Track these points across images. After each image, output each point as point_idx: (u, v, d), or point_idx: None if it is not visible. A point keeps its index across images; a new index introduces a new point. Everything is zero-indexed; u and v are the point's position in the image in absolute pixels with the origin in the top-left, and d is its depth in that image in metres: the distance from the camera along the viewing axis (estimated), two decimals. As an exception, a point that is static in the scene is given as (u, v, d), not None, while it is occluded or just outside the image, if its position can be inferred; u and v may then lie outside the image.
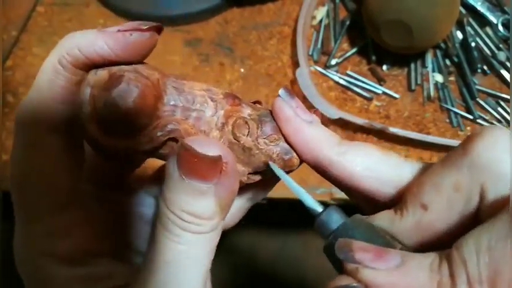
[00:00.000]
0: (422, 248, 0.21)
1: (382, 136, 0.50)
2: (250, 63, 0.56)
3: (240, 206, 0.27)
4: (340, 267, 0.20)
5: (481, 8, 0.55)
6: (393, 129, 0.48)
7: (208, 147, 0.21)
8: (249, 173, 0.25)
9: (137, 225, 0.29)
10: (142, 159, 0.28)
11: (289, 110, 0.24)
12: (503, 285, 0.16)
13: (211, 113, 0.24)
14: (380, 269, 0.19)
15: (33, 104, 0.23)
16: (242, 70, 0.55)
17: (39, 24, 0.59)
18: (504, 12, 0.55)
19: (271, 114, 0.25)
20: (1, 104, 0.54)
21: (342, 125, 0.51)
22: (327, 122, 0.51)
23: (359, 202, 0.25)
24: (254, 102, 0.26)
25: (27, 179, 0.24)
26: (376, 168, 0.23)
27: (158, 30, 0.23)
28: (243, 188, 0.26)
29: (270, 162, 0.24)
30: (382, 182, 0.23)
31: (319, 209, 0.22)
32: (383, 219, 0.22)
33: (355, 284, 0.19)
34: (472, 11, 0.55)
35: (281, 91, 0.24)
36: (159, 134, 0.22)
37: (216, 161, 0.21)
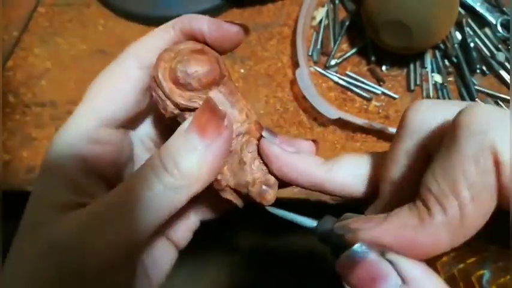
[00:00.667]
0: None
1: (382, 136, 0.51)
2: (250, 64, 0.56)
3: (189, 221, 0.31)
4: None
5: (480, 8, 0.55)
6: (392, 129, 0.49)
7: (221, 109, 0.25)
8: (230, 188, 0.27)
9: None
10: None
11: (276, 147, 0.26)
12: (464, 190, 0.19)
13: (241, 120, 0.27)
14: (372, 226, 0.21)
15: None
16: (242, 71, 0.55)
17: (40, 25, 0.59)
18: (503, 12, 0.55)
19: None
20: (2, 104, 0.54)
21: (342, 125, 0.51)
22: (326, 122, 0.52)
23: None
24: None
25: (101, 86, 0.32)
26: (358, 171, 0.26)
27: (246, 30, 0.28)
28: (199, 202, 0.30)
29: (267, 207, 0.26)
30: (364, 181, 0.26)
31: (313, 223, 0.25)
32: (370, 211, 0.25)
33: (357, 245, 0.21)
34: (471, 11, 0.56)
35: (264, 132, 0.27)
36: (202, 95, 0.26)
37: (222, 116, 0.24)
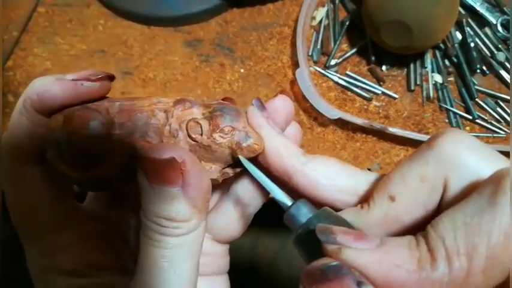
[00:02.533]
0: None
1: (382, 136, 0.51)
2: (251, 64, 0.56)
3: (240, 214, 0.28)
4: (310, 258, 0.20)
5: (480, 8, 0.55)
6: (392, 129, 0.49)
7: (162, 151, 0.23)
8: (223, 169, 0.26)
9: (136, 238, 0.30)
10: (119, 184, 0.28)
11: (261, 117, 0.25)
12: (480, 258, 0.17)
13: (163, 122, 0.25)
14: (362, 249, 0.19)
15: (7, 139, 0.26)
16: (242, 70, 0.55)
17: (40, 25, 0.59)
18: (503, 12, 0.55)
19: (230, 109, 0.25)
20: (1, 105, 0.54)
21: (342, 125, 0.51)
22: (326, 122, 0.51)
23: None
24: (224, 99, 0.27)
25: (18, 207, 0.26)
26: (336, 177, 0.24)
27: (109, 79, 0.26)
28: (226, 185, 0.28)
29: (240, 156, 0.24)
30: (341, 190, 0.24)
31: (288, 202, 0.23)
32: (349, 213, 0.23)
33: (337, 263, 0.19)
34: (471, 11, 0.56)
35: (254, 101, 0.26)
36: (117, 159, 0.24)
37: (171, 162, 0.22)
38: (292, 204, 0.23)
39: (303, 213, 0.22)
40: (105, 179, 0.25)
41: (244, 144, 0.24)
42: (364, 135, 0.51)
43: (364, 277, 0.18)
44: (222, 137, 0.25)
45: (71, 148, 0.24)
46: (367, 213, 0.22)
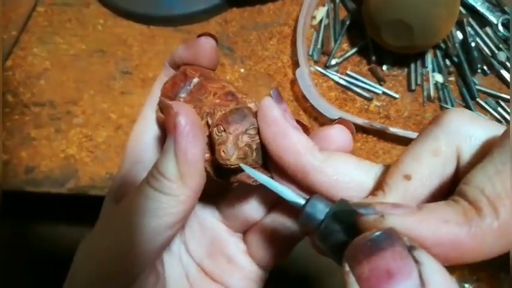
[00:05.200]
0: None
1: (382, 136, 0.50)
2: (251, 63, 0.56)
3: (282, 241, 0.27)
4: (338, 251, 0.19)
5: (480, 8, 0.55)
6: (393, 129, 0.48)
7: (173, 103, 0.24)
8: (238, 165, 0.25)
9: None
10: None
11: (278, 111, 0.24)
12: None
13: (205, 102, 0.26)
14: (404, 213, 0.19)
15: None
16: (242, 70, 0.55)
17: (40, 24, 0.59)
18: (504, 12, 0.55)
19: (241, 110, 0.25)
20: (1, 104, 0.54)
21: (342, 125, 0.51)
22: (326, 122, 0.51)
23: None
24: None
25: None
26: (354, 173, 0.23)
27: (211, 36, 0.28)
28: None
29: (241, 164, 0.24)
30: (360, 186, 0.23)
31: (301, 201, 0.22)
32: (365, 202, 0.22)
33: (382, 231, 0.18)
34: (472, 11, 0.55)
35: (273, 91, 0.25)
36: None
37: (168, 107, 0.24)
38: (306, 202, 0.22)
39: (320, 209, 0.21)
40: None
41: (217, 147, 0.24)
42: (364, 135, 0.51)
43: (412, 240, 0.18)
44: (216, 133, 0.24)
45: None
46: (383, 198, 0.22)
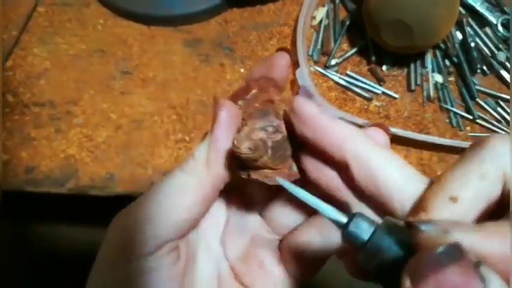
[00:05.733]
0: None
1: (382, 136, 0.50)
2: (251, 63, 0.56)
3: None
4: (385, 272, 0.19)
5: (480, 8, 0.55)
6: (393, 129, 0.49)
7: (221, 100, 0.26)
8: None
9: None
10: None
11: (313, 106, 0.24)
12: None
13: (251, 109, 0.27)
14: (467, 229, 0.18)
15: None
16: (242, 70, 0.55)
17: (40, 25, 0.59)
18: (504, 12, 0.55)
19: (265, 110, 0.26)
20: (1, 104, 0.54)
21: (342, 125, 0.51)
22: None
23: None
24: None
25: None
26: (397, 175, 0.23)
27: (287, 51, 0.30)
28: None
29: (277, 178, 0.23)
30: (399, 191, 0.23)
31: (343, 219, 0.21)
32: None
33: (447, 246, 0.17)
34: (472, 11, 0.55)
35: (301, 88, 0.27)
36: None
37: (216, 103, 0.25)
38: (349, 221, 0.21)
39: (363, 229, 0.20)
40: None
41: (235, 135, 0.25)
42: (364, 135, 0.51)
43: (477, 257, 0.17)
44: (240, 128, 0.26)
45: None
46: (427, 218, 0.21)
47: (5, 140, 0.52)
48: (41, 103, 0.54)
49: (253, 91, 0.28)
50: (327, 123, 0.24)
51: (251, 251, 0.29)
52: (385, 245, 0.20)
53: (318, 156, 0.25)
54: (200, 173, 0.25)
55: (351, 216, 0.21)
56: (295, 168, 0.26)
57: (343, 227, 0.21)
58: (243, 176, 0.25)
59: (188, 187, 0.25)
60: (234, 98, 0.28)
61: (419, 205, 0.22)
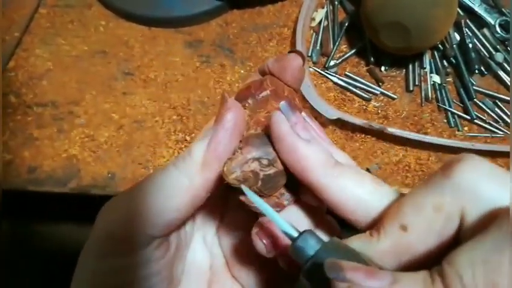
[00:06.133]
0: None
1: (381, 136, 0.51)
2: (251, 65, 0.56)
3: None
4: None
5: (478, 9, 0.56)
6: (391, 130, 0.49)
7: (230, 100, 0.25)
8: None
9: None
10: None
11: (285, 126, 0.23)
12: None
13: (255, 119, 0.26)
14: (376, 283, 0.18)
15: None
16: (242, 71, 0.56)
17: (42, 26, 0.60)
18: (501, 13, 0.55)
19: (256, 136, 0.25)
20: (3, 105, 0.54)
21: (341, 126, 0.52)
22: (325, 122, 0.52)
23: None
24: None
25: None
26: (364, 201, 0.22)
27: (300, 54, 0.28)
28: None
29: (242, 186, 0.23)
30: (367, 214, 0.22)
31: (294, 233, 0.22)
32: (358, 242, 0.22)
33: None
34: (470, 12, 0.56)
35: (282, 104, 0.24)
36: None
37: (225, 101, 0.24)
38: (298, 236, 0.22)
39: (311, 245, 0.21)
40: None
41: (227, 160, 0.24)
42: (363, 136, 0.51)
43: None
44: (235, 149, 0.25)
45: None
46: (377, 243, 0.21)
47: (7, 140, 0.53)
48: (43, 103, 0.55)
49: (266, 92, 0.26)
50: (295, 146, 0.23)
51: (244, 245, 0.29)
52: (315, 276, 0.20)
53: None
54: (194, 174, 0.24)
55: (302, 232, 0.22)
56: (286, 196, 0.26)
57: (292, 241, 0.22)
58: (232, 194, 0.25)
59: (180, 188, 0.24)
60: (245, 93, 0.27)
61: (376, 225, 0.22)
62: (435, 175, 0.20)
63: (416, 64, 0.54)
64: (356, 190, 0.22)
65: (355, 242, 0.22)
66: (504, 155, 0.49)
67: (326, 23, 0.58)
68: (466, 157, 0.20)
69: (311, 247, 0.21)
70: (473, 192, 0.19)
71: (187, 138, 0.52)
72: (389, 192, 0.23)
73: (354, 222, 0.23)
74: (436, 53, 0.55)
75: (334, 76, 0.54)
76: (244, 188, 0.23)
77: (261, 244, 0.24)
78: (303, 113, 0.27)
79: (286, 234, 0.22)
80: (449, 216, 0.20)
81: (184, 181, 0.24)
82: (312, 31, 0.57)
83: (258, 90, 0.27)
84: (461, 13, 0.56)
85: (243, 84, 0.28)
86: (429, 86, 0.53)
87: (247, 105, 0.26)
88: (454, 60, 0.54)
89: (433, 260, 0.19)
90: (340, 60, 0.55)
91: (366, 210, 0.22)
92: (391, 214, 0.21)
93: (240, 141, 0.25)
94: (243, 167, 0.23)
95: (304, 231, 0.22)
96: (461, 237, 0.20)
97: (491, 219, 0.18)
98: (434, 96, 0.53)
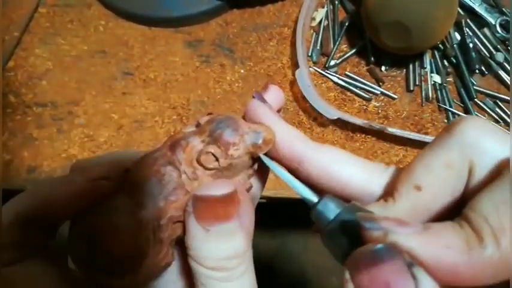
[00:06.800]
0: None
1: (381, 136, 0.51)
2: (250, 64, 0.56)
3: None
4: (342, 255, 0.20)
5: (479, 9, 0.55)
6: (392, 130, 0.49)
7: (217, 187, 0.22)
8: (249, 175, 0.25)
9: None
10: None
11: (264, 108, 0.25)
12: None
13: (176, 176, 0.23)
14: (408, 233, 0.19)
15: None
16: (242, 71, 0.56)
17: (41, 25, 0.60)
18: (502, 13, 0.55)
19: (223, 120, 0.24)
20: (3, 105, 0.54)
21: (341, 125, 0.52)
22: (326, 122, 0.52)
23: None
24: (208, 114, 0.26)
25: None
26: (347, 165, 0.23)
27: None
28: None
29: (261, 155, 0.24)
30: (352, 180, 0.23)
31: (314, 198, 0.22)
32: (375, 208, 0.22)
33: (385, 245, 0.18)
34: (470, 12, 0.56)
35: (255, 94, 0.25)
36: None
37: (233, 195, 0.22)
38: (319, 201, 0.22)
39: (331, 209, 0.22)
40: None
41: (259, 142, 0.23)
42: (363, 136, 0.51)
43: (413, 258, 0.18)
44: (236, 149, 0.23)
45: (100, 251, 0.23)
46: (393, 206, 0.21)
47: (7, 140, 0.53)
48: (43, 103, 0.55)
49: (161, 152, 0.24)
50: (277, 125, 0.24)
51: None
52: (341, 234, 0.21)
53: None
54: (245, 261, 0.22)
55: (321, 197, 0.22)
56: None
57: (312, 206, 0.22)
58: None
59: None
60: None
61: (389, 191, 0.22)
62: (440, 135, 0.21)
63: (417, 64, 0.54)
64: (339, 158, 0.23)
65: (372, 207, 0.22)
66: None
67: (326, 22, 0.58)
68: (468, 116, 0.21)
69: (331, 211, 0.22)
70: (479, 147, 0.20)
71: (187, 138, 0.52)
72: (379, 166, 0.24)
73: (340, 192, 0.23)
74: (436, 52, 0.54)
75: (335, 76, 0.54)
76: (264, 158, 0.24)
77: None
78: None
79: (305, 199, 0.23)
80: (459, 173, 0.20)
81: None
82: (312, 31, 0.57)
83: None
84: (462, 13, 0.55)
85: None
86: (430, 85, 0.53)
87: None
88: (454, 60, 0.54)
89: (446, 218, 0.20)
90: (340, 60, 0.55)
91: (350, 176, 0.23)
92: (402, 177, 0.22)
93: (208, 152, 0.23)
94: (257, 131, 0.24)
95: (324, 196, 0.22)
96: (469, 191, 0.20)
97: (500, 169, 0.19)
98: (434, 96, 0.53)
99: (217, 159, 0.23)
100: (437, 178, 0.21)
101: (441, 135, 0.21)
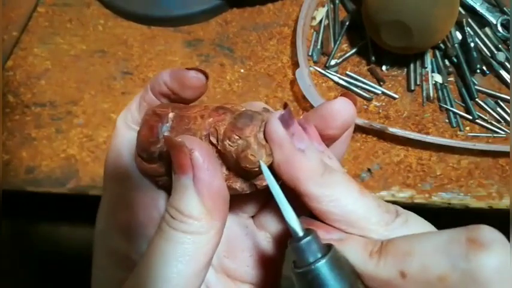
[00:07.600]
0: None
1: (382, 136, 0.51)
2: (250, 64, 0.56)
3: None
4: None
5: (480, 8, 0.55)
6: (392, 129, 0.49)
7: (181, 138, 0.23)
8: (249, 182, 0.24)
9: None
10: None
11: (281, 132, 0.23)
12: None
13: (197, 128, 0.25)
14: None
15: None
16: (242, 70, 0.55)
17: (40, 25, 0.59)
18: (503, 12, 0.55)
19: (246, 115, 0.24)
20: (1, 104, 0.54)
21: (342, 125, 0.51)
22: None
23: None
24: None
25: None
26: (350, 213, 0.23)
27: (203, 73, 0.27)
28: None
29: (260, 162, 0.23)
30: (351, 226, 0.23)
31: (300, 232, 0.22)
32: (356, 251, 0.22)
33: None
34: (471, 11, 0.56)
35: (281, 115, 0.23)
36: (153, 148, 0.26)
37: (181, 146, 0.23)
38: (303, 236, 0.22)
39: (313, 250, 0.22)
40: (159, 174, 0.27)
41: (242, 154, 0.23)
42: (364, 135, 0.51)
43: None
44: (230, 144, 0.23)
45: (138, 146, 0.27)
46: (373, 267, 0.21)
47: (5, 140, 0.52)
48: (42, 103, 0.54)
49: (170, 114, 0.26)
50: (287, 156, 0.23)
51: (238, 247, 0.28)
52: (323, 278, 0.21)
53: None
54: (207, 226, 0.23)
55: (308, 233, 0.22)
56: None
57: (296, 238, 0.22)
58: (251, 190, 0.25)
59: (201, 247, 0.23)
60: (152, 132, 0.26)
61: (379, 250, 0.22)
62: (459, 241, 0.20)
63: (418, 63, 0.54)
64: (343, 204, 0.23)
65: (354, 255, 0.22)
66: (506, 155, 0.49)
67: (327, 21, 0.57)
68: (496, 245, 0.19)
69: (312, 253, 0.22)
70: (487, 285, 0.19)
71: (187, 138, 0.52)
72: (371, 200, 0.23)
73: (337, 227, 0.23)
74: (437, 52, 0.54)
75: (335, 75, 0.54)
76: (262, 166, 0.23)
77: None
78: (301, 116, 0.27)
79: (291, 228, 0.22)
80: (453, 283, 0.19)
81: (202, 240, 0.23)
82: (312, 30, 0.57)
83: (160, 120, 0.26)
84: (463, 12, 0.55)
85: (140, 133, 0.27)
86: (430, 85, 0.53)
87: (170, 122, 0.26)
88: (455, 60, 0.54)
89: None
90: (341, 59, 0.55)
91: (349, 224, 0.23)
92: (398, 251, 0.21)
93: (230, 136, 0.24)
94: (261, 144, 0.23)
95: (310, 234, 0.22)
96: None
97: None
98: (435, 95, 0.53)
99: (217, 140, 0.24)
100: (425, 283, 0.20)
101: (459, 243, 0.20)
